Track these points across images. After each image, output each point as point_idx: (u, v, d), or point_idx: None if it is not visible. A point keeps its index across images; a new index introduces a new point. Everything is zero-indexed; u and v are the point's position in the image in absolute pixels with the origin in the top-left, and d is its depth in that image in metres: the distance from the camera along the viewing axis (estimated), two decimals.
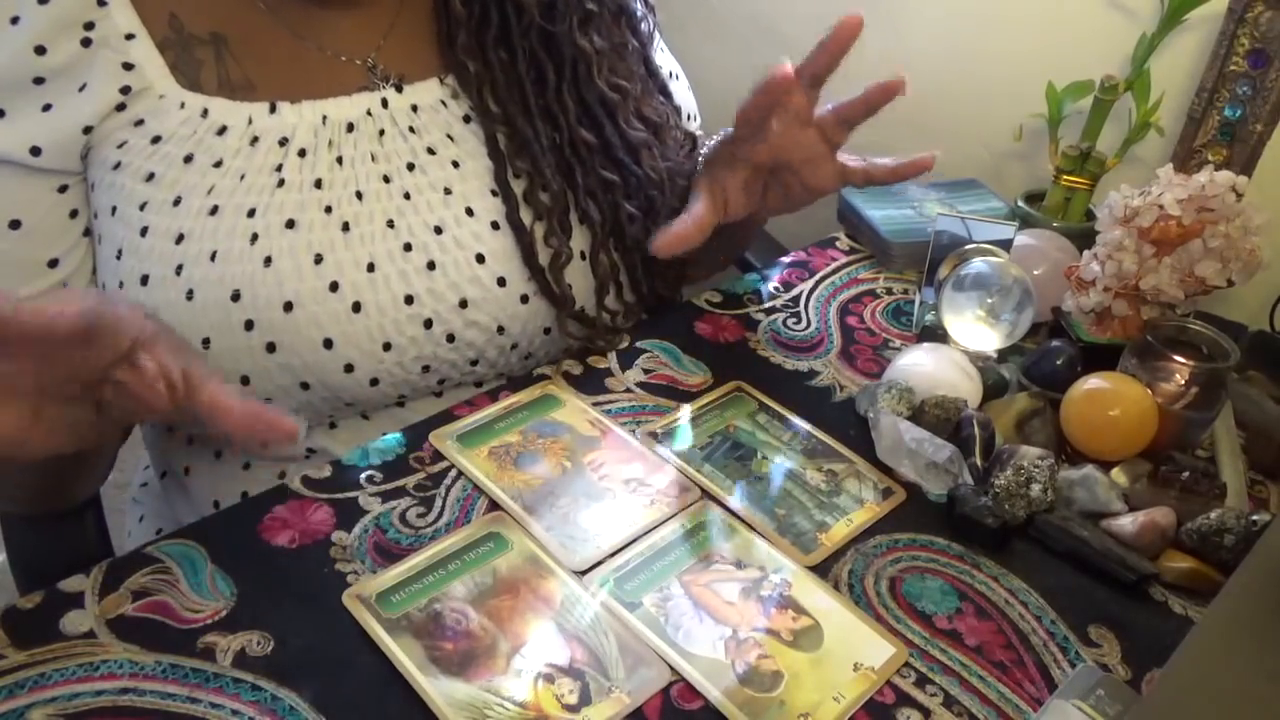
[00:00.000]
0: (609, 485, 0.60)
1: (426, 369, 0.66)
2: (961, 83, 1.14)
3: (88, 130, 0.60)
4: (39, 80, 0.59)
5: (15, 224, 0.60)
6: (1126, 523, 0.59)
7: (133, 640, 0.48)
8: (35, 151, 0.59)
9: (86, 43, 0.59)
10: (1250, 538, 0.56)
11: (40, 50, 0.58)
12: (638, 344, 0.73)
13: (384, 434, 0.63)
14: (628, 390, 0.69)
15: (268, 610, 0.50)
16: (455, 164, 0.67)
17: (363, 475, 0.59)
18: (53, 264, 0.62)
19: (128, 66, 0.60)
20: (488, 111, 0.69)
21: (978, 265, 0.73)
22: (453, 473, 0.60)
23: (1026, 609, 0.55)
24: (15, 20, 0.58)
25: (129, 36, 0.60)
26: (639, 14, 0.75)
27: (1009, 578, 0.57)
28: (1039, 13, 1.05)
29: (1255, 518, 0.57)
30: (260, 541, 0.54)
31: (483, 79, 0.68)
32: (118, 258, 0.61)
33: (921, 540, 0.59)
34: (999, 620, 0.54)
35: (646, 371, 0.71)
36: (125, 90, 0.60)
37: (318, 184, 0.63)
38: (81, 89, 0.60)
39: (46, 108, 0.59)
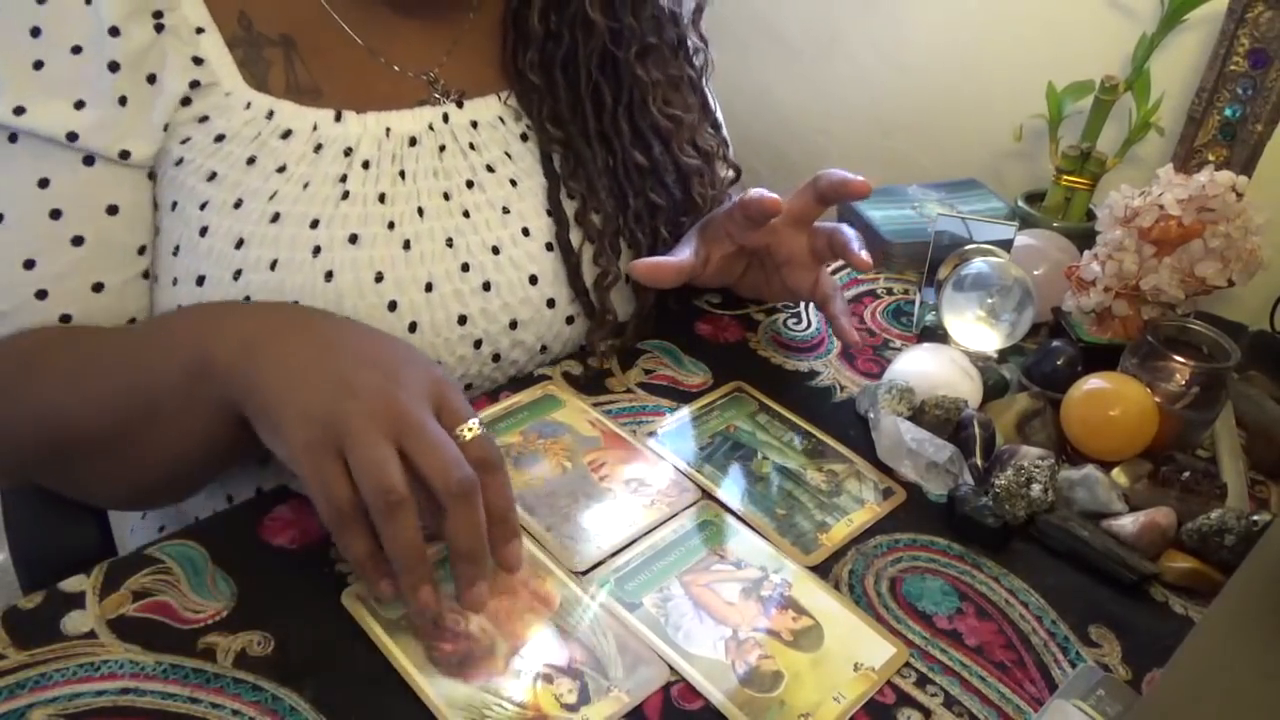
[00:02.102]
0: (609, 485, 0.60)
1: (469, 386, 0.67)
2: (961, 83, 1.14)
3: (166, 128, 0.60)
4: (114, 67, 0.57)
5: (113, 209, 0.59)
6: (1127, 523, 0.59)
7: (133, 640, 0.48)
8: (125, 155, 0.58)
9: (159, 29, 0.58)
10: (1251, 538, 0.56)
11: (114, 32, 0.56)
12: (638, 344, 0.73)
13: None
14: (628, 391, 0.69)
15: (268, 610, 0.50)
16: (513, 182, 0.68)
17: None
18: (141, 250, 0.61)
19: (197, 61, 0.59)
20: (545, 130, 0.69)
21: (978, 265, 0.73)
22: None
23: (1027, 609, 0.55)
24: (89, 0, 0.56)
25: (199, 30, 0.59)
26: (694, 47, 0.77)
27: (1009, 578, 0.57)
28: (1039, 13, 1.05)
29: (1256, 518, 0.57)
30: (261, 542, 0.54)
31: (544, 98, 0.69)
32: (174, 254, 0.61)
33: (922, 540, 0.59)
34: (999, 620, 0.54)
35: (647, 372, 0.71)
36: (194, 85, 0.59)
37: (381, 198, 0.62)
38: (152, 80, 0.58)
39: (122, 101, 0.58)
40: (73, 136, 0.57)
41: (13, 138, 0.57)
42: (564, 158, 0.70)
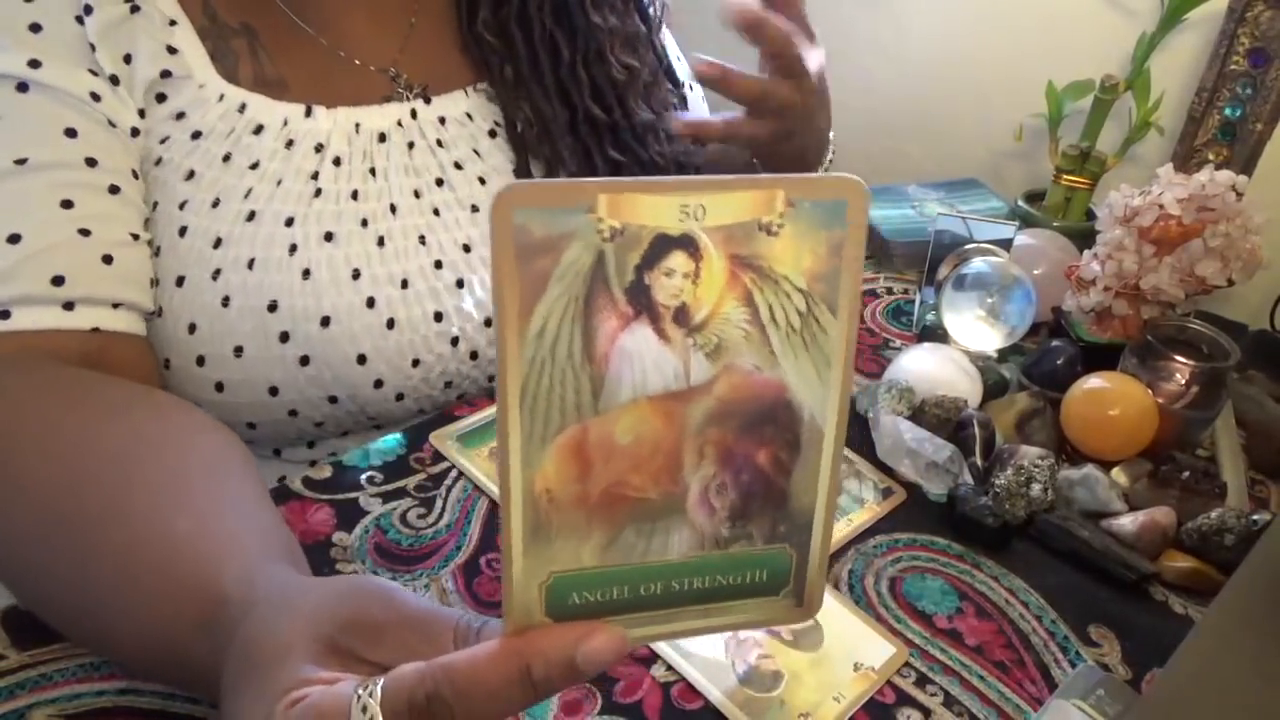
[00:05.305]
0: None
1: (449, 384, 0.67)
2: (961, 83, 1.14)
3: (141, 114, 0.59)
4: (92, 46, 0.56)
5: (135, 173, 0.59)
6: (1127, 522, 0.59)
7: None
8: (134, 133, 0.58)
9: (135, 9, 0.57)
10: (1250, 537, 0.56)
11: (88, 10, 0.56)
12: None
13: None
14: None
15: None
16: (482, 180, 0.68)
17: (363, 476, 0.59)
18: (134, 237, 0.59)
19: (171, 50, 0.59)
20: (508, 93, 0.69)
21: (978, 265, 0.73)
22: (453, 473, 0.60)
23: (1027, 609, 0.55)
24: None
25: (171, 23, 0.59)
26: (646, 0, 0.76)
27: (1009, 577, 0.57)
28: (1039, 13, 1.05)
29: (1256, 517, 0.57)
30: None
31: (503, 58, 0.69)
32: (155, 255, 0.60)
33: (922, 540, 0.59)
34: (999, 620, 0.54)
35: None
36: (166, 74, 0.59)
37: (354, 195, 0.62)
38: (127, 60, 0.58)
39: (114, 80, 0.57)
40: (96, 97, 0.56)
41: (21, 87, 0.55)
42: (527, 123, 0.69)
